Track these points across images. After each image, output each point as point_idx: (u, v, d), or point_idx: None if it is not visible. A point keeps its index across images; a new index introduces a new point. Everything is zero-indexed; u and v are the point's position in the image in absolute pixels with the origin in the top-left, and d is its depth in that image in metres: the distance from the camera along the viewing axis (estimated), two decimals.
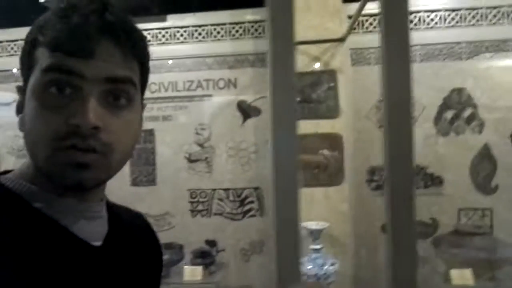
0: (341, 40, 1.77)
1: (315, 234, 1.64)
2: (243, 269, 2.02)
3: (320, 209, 1.80)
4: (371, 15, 1.98)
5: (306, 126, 1.79)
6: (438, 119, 1.96)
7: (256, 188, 2.03)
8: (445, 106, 1.95)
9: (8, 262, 0.44)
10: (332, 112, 1.78)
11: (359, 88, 1.99)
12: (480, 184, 1.94)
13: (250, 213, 2.03)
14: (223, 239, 2.03)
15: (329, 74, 1.75)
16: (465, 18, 1.94)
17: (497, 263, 1.76)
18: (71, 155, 0.47)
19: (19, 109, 0.52)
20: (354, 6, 1.97)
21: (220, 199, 2.04)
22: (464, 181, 1.94)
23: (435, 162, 1.95)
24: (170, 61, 2.07)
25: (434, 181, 1.96)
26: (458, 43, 1.94)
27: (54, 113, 0.47)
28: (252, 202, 2.03)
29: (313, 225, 1.65)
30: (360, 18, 1.98)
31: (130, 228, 0.63)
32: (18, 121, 0.52)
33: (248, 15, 2.04)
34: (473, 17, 1.94)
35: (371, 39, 1.97)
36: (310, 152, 1.78)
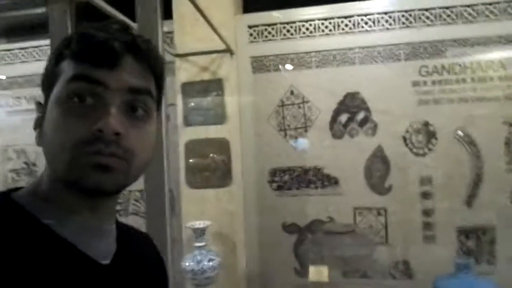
0: (227, 51, 1.89)
1: (198, 233, 1.78)
2: None
3: (212, 210, 1.93)
4: (269, 25, 2.09)
5: (197, 132, 1.93)
6: (333, 122, 2.04)
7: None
8: (339, 110, 2.04)
9: (17, 280, 0.44)
10: (220, 118, 1.90)
11: (260, 95, 2.10)
12: (374, 184, 2.01)
13: None
14: None
15: (217, 83, 1.88)
16: (358, 24, 2.02)
17: (359, 260, 1.84)
18: (93, 158, 0.48)
19: (37, 124, 0.54)
20: (254, 15, 2.10)
21: (136, 200, 2.21)
22: (359, 181, 2.02)
23: (331, 164, 2.04)
24: None
25: (331, 181, 2.05)
26: (351, 48, 2.02)
27: (78, 120, 0.48)
28: None
29: (195, 224, 1.78)
30: (260, 28, 2.10)
31: (137, 247, 0.65)
32: (35, 136, 0.54)
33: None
34: (366, 23, 2.01)
35: (270, 48, 2.08)
36: (201, 156, 1.91)
